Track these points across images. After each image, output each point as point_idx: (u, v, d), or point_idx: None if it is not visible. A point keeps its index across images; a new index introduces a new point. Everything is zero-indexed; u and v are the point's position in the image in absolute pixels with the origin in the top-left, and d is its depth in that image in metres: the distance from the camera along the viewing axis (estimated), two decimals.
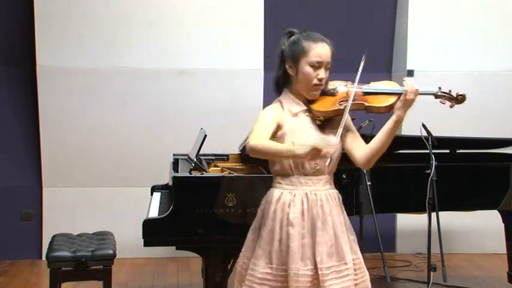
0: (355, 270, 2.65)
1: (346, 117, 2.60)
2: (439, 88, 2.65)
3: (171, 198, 3.81)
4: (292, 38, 2.66)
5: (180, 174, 3.96)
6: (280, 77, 2.69)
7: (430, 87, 2.69)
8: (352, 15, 6.06)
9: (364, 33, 6.07)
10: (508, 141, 4.70)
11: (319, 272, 2.54)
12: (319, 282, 2.54)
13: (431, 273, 3.99)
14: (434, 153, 3.95)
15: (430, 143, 3.96)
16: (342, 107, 2.60)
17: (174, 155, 4.81)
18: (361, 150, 2.65)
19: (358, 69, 2.67)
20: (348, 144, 2.67)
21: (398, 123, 2.57)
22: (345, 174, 3.86)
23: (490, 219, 4.94)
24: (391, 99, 2.60)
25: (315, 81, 2.60)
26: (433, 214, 3.91)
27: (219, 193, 3.50)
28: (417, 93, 2.56)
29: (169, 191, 4.04)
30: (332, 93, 2.65)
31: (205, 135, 4.03)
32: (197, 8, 5.71)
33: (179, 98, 5.72)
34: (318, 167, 2.60)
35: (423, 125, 3.98)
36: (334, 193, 2.70)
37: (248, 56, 5.59)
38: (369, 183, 3.66)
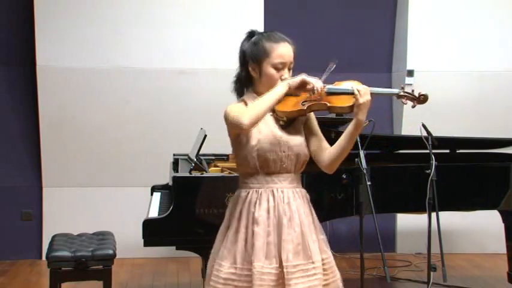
0: (325, 270, 2.60)
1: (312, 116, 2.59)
2: (402, 88, 2.61)
3: (171, 198, 3.81)
4: (253, 39, 2.61)
5: (180, 174, 3.96)
6: (243, 78, 2.65)
7: (393, 88, 2.66)
8: (352, 15, 6.06)
9: (364, 33, 6.07)
10: (508, 141, 4.69)
11: (285, 270, 2.49)
12: (285, 281, 2.50)
13: (431, 273, 3.99)
14: (434, 153, 3.95)
15: (430, 143, 3.95)
16: (304, 107, 2.56)
17: (174, 155, 4.81)
18: (324, 154, 2.62)
19: (326, 70, 2.60)
20: (312, 147, 2.64)
21: (359, 126, 2.53)
22: (345, 174, 3.86)
23: (490, 219, 4.94)
24: (354, 99, 2.53)
25: (279, 82, 2.56)
26: (433, 214, 3.90)
27: (219, 193, 3.50)
28: (368, 92, 2.51)
29: (169, 191, 4.04)
30: (295, 94, 2.59)
31: (205, 135, 4.04)
32: (197, 8, 5.71)
33: (179, 98, 5.72)
34: (284, 165, 2.57)
35: (423, 125, 3.98)
36: (302, 191, 2.65)
37: None
38: (369, 183, 3.65)
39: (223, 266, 2.55)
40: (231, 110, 2.54)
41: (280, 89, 2.51)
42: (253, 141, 2.57)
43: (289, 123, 2.63)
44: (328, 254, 2.65)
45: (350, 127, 2.54)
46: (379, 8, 6.14)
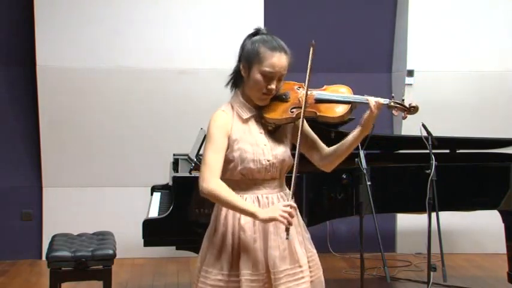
0: (310, 267, 2.59)
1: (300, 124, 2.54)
2: (392, 97, 2.54)
3: (171, 198, 3.81)
4: (254, 38, 2.54)
5: (180, 174, 3.97)
6: (235, 73, 2.60)
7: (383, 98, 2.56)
8: (352, 15, 6.06)
9: (364, 33, 6.07)
10: (508, 141, 4.70)
11: (272, 277, 2.48)
12: (272, 287, 2.49)
13: (431, 273, 3.99)
14: (434, 153, 3.95)
15: (430, 143, 3.95)
16: (293, 115, 2.52)
17: (174, 155, 4.81)
18: (321, 153, 2.61)
19: (308, 74, 2.54)
20: (308, 149, 2.61)
21: (363, 135, 2.52)
22: (345, 174, 3.87)
23: (490, 219, 4.94)
24: (344, 108, 2.50)
25: (264, 90, 2.49)
26: (433, 214, 3.90)
27: None
28: (381, 107, 2.49)
29: (169, 191, 4.05)
30: (284, 99, 2.55)
31: (206, 135, 4.03)
32: (197, 8, 5.71)
33: (179, 98, 5.72)
34: (269, 173, 2.54)
35: (423, 125, 3.98)
36: (286, 194, 2.61)
37: None
38: (369, 183, 3.65)
39: (210, 272, 2.52)
40: (209, 141, 2.53)
41: (248, 211, 2.42)
42: (236, 152, 2.51)
43: (277, 127, 2.60)
44: (313, 251, 2.65)
45: (356, 135, 2.52)
46: (379, 8, 6.14)
